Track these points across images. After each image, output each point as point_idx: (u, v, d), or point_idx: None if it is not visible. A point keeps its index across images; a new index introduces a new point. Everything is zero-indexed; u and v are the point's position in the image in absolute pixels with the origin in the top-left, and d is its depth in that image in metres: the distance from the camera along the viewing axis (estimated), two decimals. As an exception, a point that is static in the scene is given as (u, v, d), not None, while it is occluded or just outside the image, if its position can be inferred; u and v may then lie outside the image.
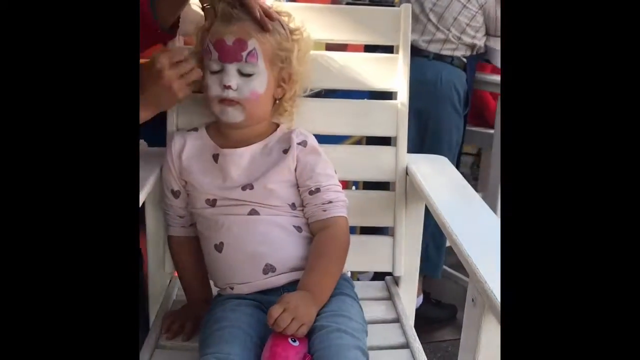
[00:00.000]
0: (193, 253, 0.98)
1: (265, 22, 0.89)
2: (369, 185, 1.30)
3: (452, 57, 1.79)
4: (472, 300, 0.73)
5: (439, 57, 1.78)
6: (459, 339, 1.72)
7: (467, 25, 1.77)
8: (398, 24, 1.03)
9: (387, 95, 1.08)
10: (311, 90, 1.05)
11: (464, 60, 1.81)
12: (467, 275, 2.03)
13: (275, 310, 0.77)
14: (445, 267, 2.04)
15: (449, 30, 1.77)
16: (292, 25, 0.95)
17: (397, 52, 1.04)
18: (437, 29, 1.77)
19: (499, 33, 1.82)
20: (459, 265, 2.16)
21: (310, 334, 0.79)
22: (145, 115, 0.89)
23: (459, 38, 1.78)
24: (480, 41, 1.82)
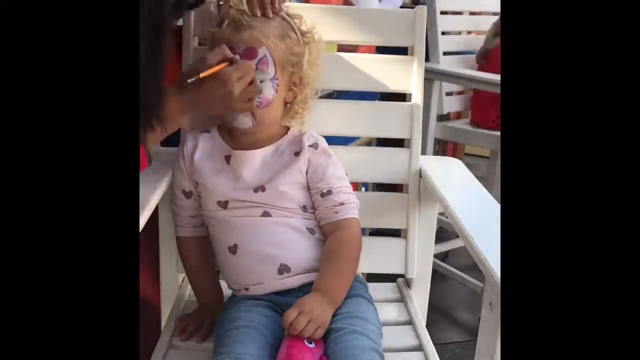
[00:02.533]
0: (203, 254, 0.98)
1: (266, 7, 0.88)
2: (378, 187, 1.30)
3: None
4: (490, 304, 0.72)
5: None
6: (467, 340, 1.70)
7: None
8: (413, 26, 1.03)
9: (398, 96, 1.08)
10: (323, 91, 1.05)
11: None
12: (475, 277, 2.01)
13: (290, 315, 0.77)
14: (453, 269, 2.04)
15: None
16: (303, 28, 0.95)
17: (412, 54, 1.04)
18: None
19: None
20: (467, 267, 2.15)
21: (326, 336, 0.79)
22: (184, 118, 0.88)
23: None
24: None
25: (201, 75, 0.82)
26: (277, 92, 0.90)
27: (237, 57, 0.86)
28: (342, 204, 0.91)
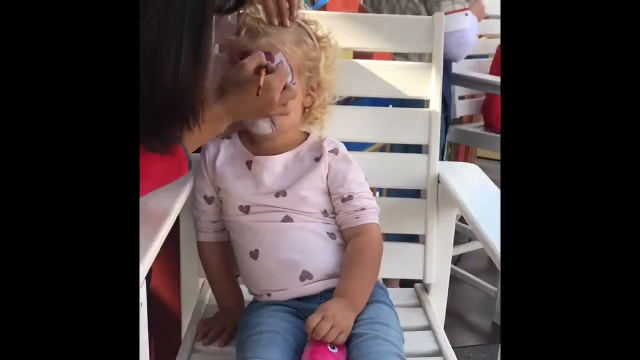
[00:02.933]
0: (224, 259, 0.99)
1: (283, 15, 0.89)
2: (393, 192, 1.30)
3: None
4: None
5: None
6: (481, 344, 1.69)
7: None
8: (431, 32, 1.04)
9: (416, 103, 1.09)
10: (340, 97, 1.06)
11: None
12: (487, 280, 2.00)
13: (313, 320, 0.78)
14: (466, 272, 2.05)
15: None
16: (319, 33, 0.96)
17: (430, 60, 1.05)
18: None
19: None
20: (480, 271, 2.14)
21: (348, 342, 0.80)
22: (225, 124, 0.88)
23: None
24: None
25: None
26: (294, 97, 0.91)
27: (272, 64, 0.86)
28: (362, 209, 0.92)
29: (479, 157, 2.71)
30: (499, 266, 0.76)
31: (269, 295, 0.89)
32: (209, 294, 1.05)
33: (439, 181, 1.04)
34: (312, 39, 0.93)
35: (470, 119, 2.27)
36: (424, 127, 1.05)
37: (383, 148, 1.55)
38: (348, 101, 1.09)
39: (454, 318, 1.96)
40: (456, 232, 2.03)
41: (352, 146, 1.03)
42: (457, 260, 2.19)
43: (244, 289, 0.99)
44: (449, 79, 1.85)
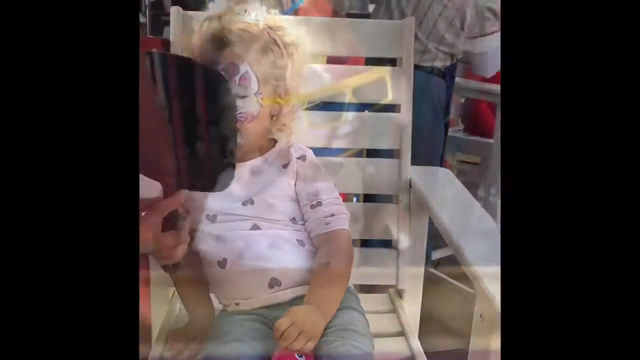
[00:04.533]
0: (193, 268, 0.97)
1: None
2: (369, 198, 1.30)
3: (431, 67, 1.79)
4: (480, 316, 0.72)
5: (417, 67, 1.77)
6: (461, 349, 1.70)
7: (446, 28, 1.76)
8: (401, 37, 1.03)
9: (388, 108, 1.08)
10: (309, 103, 1.05)
11: (443, 69, 1.81)
12: (467, 284, 2.01)
13: (282, 324, 0.76)
14: (446, 277, 2.05)
15: (426, 40, 1.77)
16: (286, 40, 0.94)
17: (400, 65, 1.05)
18: (416, 38, 1.76)
19: (475, 33, 1.80)
20: (461, 274, 2.14)
21: (316, 349, 0.79)
22: None
23: (437, 48, 1.77)
24: (458, 50, 1.82)
25: None
26: (261, 106, 0.89)
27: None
28: (332, 215, 0.91)
29: (458, 161, 2.72)
30: (467, 272, 0.75)
31: (237, 304, 0.88)
32: (179, 303, 1.04)
33: (410, 186, 1.04)
34: (279, 47, 0.92)
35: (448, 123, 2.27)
36: (395, 132, 1.05)
37: (360, 153, 1.54)
38: (317, 106, 1.09)
39: (434, 322, 1.95)
40: (436, 235, 2.04)
41: (328, 152, 1.03)
42: (437, 264, 2.19)
43: (213, 298, 0.98)
44: (452, 79, 1.88)
